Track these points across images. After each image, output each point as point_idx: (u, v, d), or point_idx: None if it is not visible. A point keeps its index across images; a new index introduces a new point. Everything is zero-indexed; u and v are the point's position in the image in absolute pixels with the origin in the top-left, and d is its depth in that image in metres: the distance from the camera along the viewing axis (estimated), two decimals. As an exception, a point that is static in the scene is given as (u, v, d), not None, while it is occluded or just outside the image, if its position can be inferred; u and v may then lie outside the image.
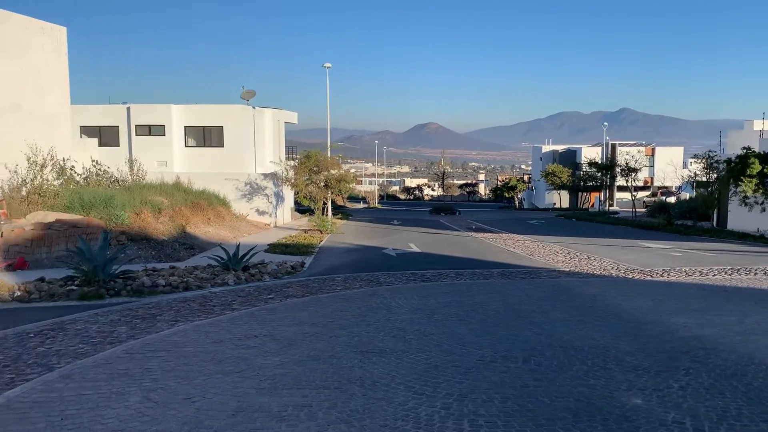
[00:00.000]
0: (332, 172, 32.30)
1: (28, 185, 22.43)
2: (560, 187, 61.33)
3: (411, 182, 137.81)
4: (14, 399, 5.49)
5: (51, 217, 16.42)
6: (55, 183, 23.06)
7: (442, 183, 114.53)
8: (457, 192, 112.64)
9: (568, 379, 6.25)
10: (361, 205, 71.50)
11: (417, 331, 8.31)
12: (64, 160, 24.18)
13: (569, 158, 70.59)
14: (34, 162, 22.99)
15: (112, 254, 12.50)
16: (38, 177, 22.71)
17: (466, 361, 6.88)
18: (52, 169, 23.41)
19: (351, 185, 37.25)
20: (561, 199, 65.14)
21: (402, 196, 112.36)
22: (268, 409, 5.25)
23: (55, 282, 11.75)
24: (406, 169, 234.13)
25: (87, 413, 5.11)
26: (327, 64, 35.58)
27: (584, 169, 58.16)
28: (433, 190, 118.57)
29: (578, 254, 19.19)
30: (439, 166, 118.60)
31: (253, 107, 34.59)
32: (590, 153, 64.32)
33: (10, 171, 22.70)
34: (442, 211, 52.29)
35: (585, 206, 59.22)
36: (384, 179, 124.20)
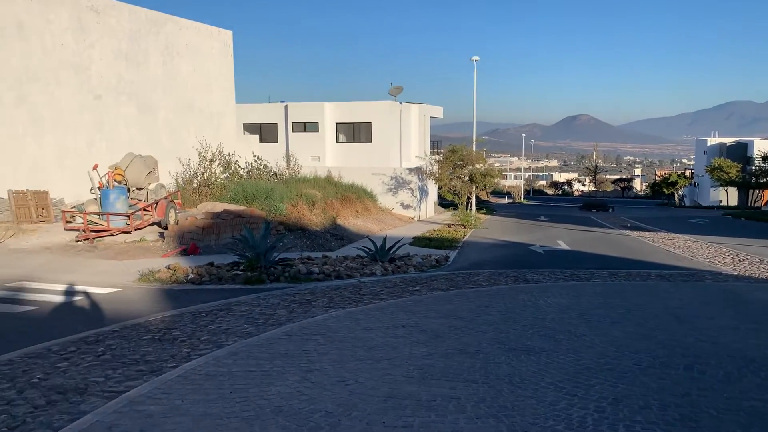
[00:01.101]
0: (477, 166, 32.09)
1: (199, 178, 24.61)
2: (727, 183, 56.12)
3: (559, 177, 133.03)
4: (190, 371, 6.08)
5: (219, 207, 17.89)
6: (222, 176, 25.10)
7: (594, 178, 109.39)
8: (610, 187, 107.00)
9: (737, 391, 5.75)
10: (506, 200, 70.30)
11: (567, 332, 8.05)
12: (229, 155, 26.20)
13: (738, 152, 64.29)
14: (204, 157, 25.14)
15: (272, 243, 13.39)
16: (207, 171, 24.83)
17: (621, 365, 6.56)
18: (219, 164, 25.47)
19: (496, 180, 36.78)
20: (728, 196, 59.62)
21: (549, 191, 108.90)
22: (417, 398, 5.37)
23: (222, 267, 12.81)
24: (554, 163, 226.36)
25: (252, 388, 5.53)
26: (475, 57, 35.34)
27: (757, 164, 52.85)
28: (583, 185, 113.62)
29: (749, 257, 17.48)
30: (591, 159, 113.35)
31: (400, 103, 35.24)
32: (764, 146, 58.24)
33: (183, 165, 25.03)
34: (593, 207, 49.99)
35: (757, 204, 53.72)
36: (530, 173, 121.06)
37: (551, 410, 5.17)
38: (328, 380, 5.80)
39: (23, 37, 20.23)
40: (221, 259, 13.84)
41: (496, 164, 55.39)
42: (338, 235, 20.83)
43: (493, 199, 63.37)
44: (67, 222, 16.79)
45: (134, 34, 24.58)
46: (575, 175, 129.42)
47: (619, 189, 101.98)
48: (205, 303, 9.88)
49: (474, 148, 33.50)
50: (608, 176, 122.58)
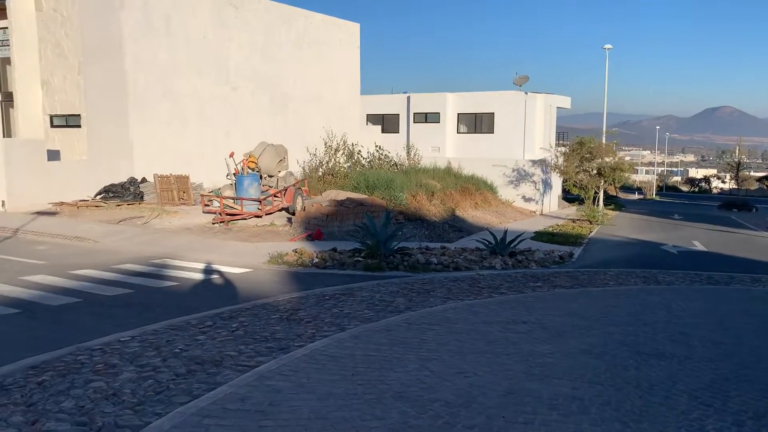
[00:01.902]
0: (606, 159, 30.61)
1: (324, 166, 25.47)
2: None
3: (696, 173, 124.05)
4: (316, 351, 6.34)
5: (342, 195, 18.43)
6: (345, 165, 25.81)
7: (736, 175, 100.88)
8: (754, 186, 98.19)
9: None
10: (636, 196, 66.63)
11: (702, 338, 7.52)
12: (352, 145, 26.87)
13: None
14: (329, 146, 25.96)
15: (392, 231, 13.60)
16: (332, 160, 25.63)
17: (765, 378, 6.04)
18: (343, 153, 26.21)
19: (626, 174, 34.97)
20: None
21: (684, 188, 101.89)
22: (538, 395, 5.26)
23: (344, 253, 13.20)
24: (690, 157, 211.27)
25: (373, 372, 5.67)
26: (607, 46, 33.68)
27: None
28: (723, 182, 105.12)
29: None
30: (733, 155, 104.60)
31: (525, 93, 34.39)
32: None
33: (310, 154, 26.00)
34: (734, 207, 46.17)
35: None
36: (663, 169, 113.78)
37: (684, 419, 4.87)
38: (448, 370, 5.82)
39: (170, 32, 21.86)
40: (343, 245, 14.26)
41: (627, 158, 52.58)
42: (457, 227, 20.77)
43: (622, 195, 60.27)
44: (205, 205, 18.02)
45: (268, 27, 25.80)
46: (714, 171, 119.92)
47: (765, 187, 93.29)
48: (329, 287, 10.24)
49: (603, 141, 32.00)
50: (752, 173, 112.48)
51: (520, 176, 32.52)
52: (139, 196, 19.72)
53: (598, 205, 31.25)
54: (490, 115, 35.18)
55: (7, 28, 21.83)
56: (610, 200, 40.30)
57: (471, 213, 24.74)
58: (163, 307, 8.75)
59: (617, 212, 35.48)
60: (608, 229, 25.02)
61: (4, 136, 23.67)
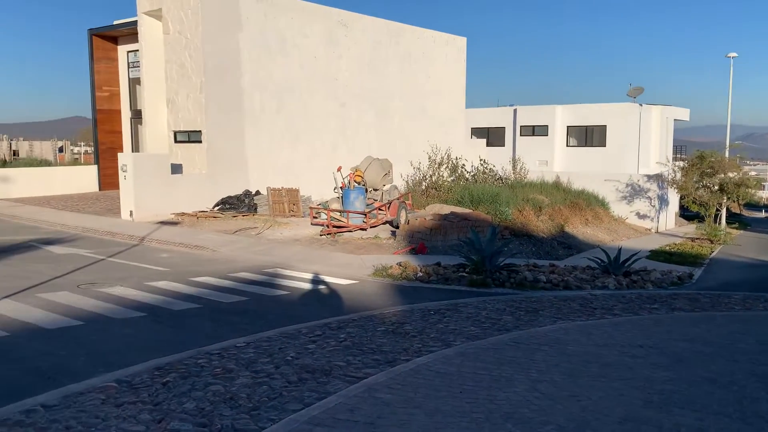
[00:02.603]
0: (730, 174, 28.63)
1: (427, 180, 25.55)
2: None
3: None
4: (422, 366, 6.32)
5: (446, 209, 18.38)
6: (449, 179, 25.76)
7: None
8: None
9: None
10: (763, 214, 61.62)
11: None
12: (456, 158, 26.78)
13: None
14: (433, 160, 26.02)
15: (497, 247, 13.38)
16: (435, 174, 25.65)
17: None
18: (446, 167, 26.19)
19: (751, 191, 32.54)
20: None
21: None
22: (658, 424, 4.95)
23: (449, 267, 13.13)
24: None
25: (482, 391, 5.58)
26: (731, 54, 31.60)
27: None
28: None
29: None
30: None
31: (640, 105, 32.90)
32: None
33: (413, 168, 26.18)
34: None
35: None
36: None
37: (829, 464, 4.40)
38: (559, 393, 5.62)
39: (284, 51, 22.86)
40: (447, 260, 14.19)
41: (752, 173, 48.85)
42: (566, 244, 20.12)
43: (747, 213, 55.97)
44: (314, 217, 18.59)
45: (376, 44, 26.35)
46: None
47: None
48: (433, 301, 10.21)
49: (726, 154, 29.96)
50: None
51: (633, 192, 31.06)
52: (253, 208, 20.66)
53: (719, 223, 29.23)
54: (602, 128, 33.92)
55: (137, 50, 23.70)
56: (733, 218, 37.58)
57: (581, 229, 23.89)
58: (276, 315, 9.09)
59: (741, 231, 32.97)
60: (731, 249, 23.32)
61: (133, 151, 25.65)
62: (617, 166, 32.58)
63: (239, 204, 20.66)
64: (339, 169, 18.94)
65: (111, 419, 4.92)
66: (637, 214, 30.87)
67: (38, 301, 9.37)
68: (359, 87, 25.77)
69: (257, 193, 21.47)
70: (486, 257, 12.77)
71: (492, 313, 9.47)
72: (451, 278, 12.40)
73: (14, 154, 40.71)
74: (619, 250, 14.58)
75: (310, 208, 19.18)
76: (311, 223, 18.58)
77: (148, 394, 5.50)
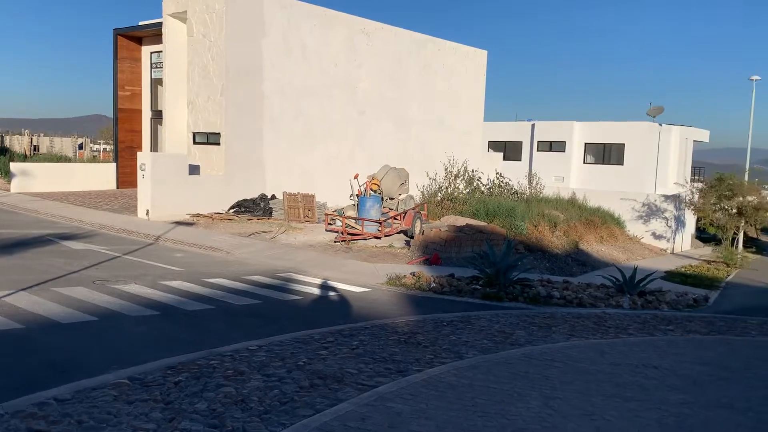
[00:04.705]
0: (748, 198, 28.33)
1: (443, 192, 25.50)
2: None
3: None
4: (433, 377, 6.28)
5: (461, 221, 18.33)
6: (464, 191, 25.70)
7: None
8: None
9: None
10: (781, 240, 60.86)
11: None
12: (473, 171, 26.72)
13: None
14: (449, 172, 25.98)
15: (512, 261, 13.31)
16: (451, 185, 25.60)
17: None
18: (462, 179, 26.14)
19: (770, 215, 32.11)
20: None
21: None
22: (673, 449, 4.88)
23: (462, 279, 13.08)
24: None
25: (493, 405, 5.53)
26: (755, 77, 31.34)
27: None
28: None
29: None
30: None
31: (660, 124, 32.70)
32: None
33: (430, 178, 26.16)
34: None
35: None
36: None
37: None
38: (572, 411, 5.55)
39: (305, 57, 22.99)
40: (461, 272, 14.14)
41: (771, 197, 48.28)
42: (580, 261, 19.98)
43: (764, 238, 55.28)
44: (328, 224, 18.61)
45: (397, 54, 26.43)
46: None
47: None
48: (446, 313, 10.17)
49: (746, 178, 29.66)
50: None
51: (650, 211, 30.81)
52: (268, 212, 20.73)
53: (736, 247, 28.90)
54: (620, 146, 33.73)
55: (161, 51, 23.95)
56: (750, 242, 37.13)
57: (596, 247, 23.72)
58: (288, 319, 9.09)
59: (759, 256, 32.56)
60: (748, 273, 23.04)
61: (151, 151, 25.87)
62: (634, 185, 32.35)
63: (255, 207, 20.74)
64: (356, 177, 18.97)
65: (123, 416, 4.93)
66: (653, 234, 30.60)
67: (54, 295, 9.44)
68: (379, 96, 25.84)
69: (273, 197, 21.54)
70: (500, 271, 12.71)
71: (505, 326, 9.41)
72: (464, 290, 12.34)
73: (35, 149, 41.19)
74: (635, 269, 14.45)
75: (326, 214, 19.21)
76: (326, 230, 18.61)
77: (160, 392, 5.51)
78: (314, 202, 21.16)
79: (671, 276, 18.97)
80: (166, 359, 6.51)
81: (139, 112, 27.08)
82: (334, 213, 19.13)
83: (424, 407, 5.33)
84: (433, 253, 16.05)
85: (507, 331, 9.12)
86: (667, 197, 30.87)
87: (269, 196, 21.50)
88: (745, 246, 32.41)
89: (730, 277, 21.05)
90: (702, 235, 36.34)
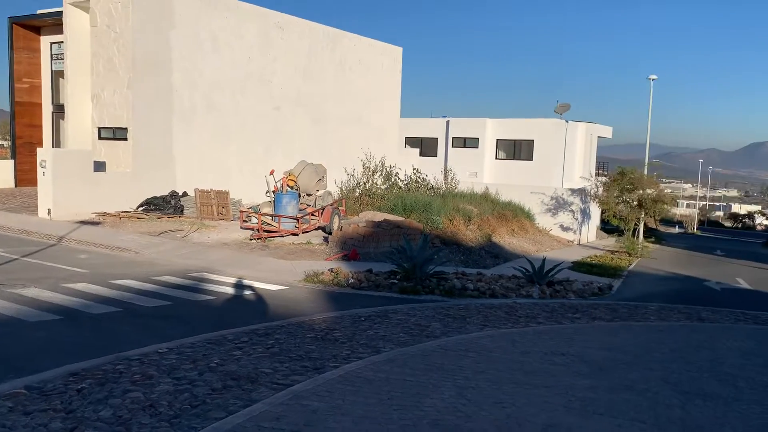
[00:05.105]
0: (648, 191, 30.10)
1: (361, 187, 25.56)
2: None
3: (739, 208, 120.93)
4: (350, 372, 6.28)
5: (379, 216, 18.43)
6: (382, 187, 25.87)
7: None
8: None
9: None
10: (676, 230, 65.16)
11: (750, 379, 7.22)
12: (390, 167, 26.94)
13: None
14: (367, 168, 26.07)
15: (428, 255, 13.51)
16: (369, 181, 25.70)
17: (819, 426, 5.74)
18: (380, 175, 26.29)
19: (667, 207, 34.31)
20: None
21: (727, 224, 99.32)
22: (579, 431, 5.10)
23: (380, 274, 13.16)
24: (733, 193, 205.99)
25: (409, 398, 5.59)
26: (652, 76, 33.29)
27: None
28: None
29: None
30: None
31: (566, 121, 34.12)
32: None
33: (348, 174, 26.15)
34: (779, 245, 44.78)
35: None
36: (705, 203, 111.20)
37: (734, 466, 4.65)
38: (485, 400, 5.70)
39: (217, 50, 22.39)
40: (379, 267, 14.22)
41: (667, 190, 51.59)
42: (493, 253, 20.56)
43: (662, 228, 58.97)
44: (244, 221, 18.23)
45: (312, 48, 26.22)
46: (758, 207, 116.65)
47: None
48: (364, 308, 10.19)
49: (645, 172, 31.49)
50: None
51: (558, 205, 32.13)
52: (180, 210, 20.06)
53: (637, 237, 30.64)
54: (530, 142, 34.97)
55: (62, 42, 22.65)
56: (649, 233, 39.50)
57: (508, 240, 24.49)
58: (200, 320, 8.82)
59: (657, 246, 34.71)
60: (648, 262, 24.48)
61: (53, 147, 24.44)
62: (543, 179, 33.64)
63: (165, 205, 20.02)
64: (272, 173, 18.67)
65: (19, 428, 4.63)
66: (561, 226, 31.94)
67: (-59, 303, 8.75)
68: (295, 91, 25.55)
69: (185, 194, 20.87)
70: (417, 265, 12.88)
71: (421, 319, 9.54)
72: (382, 285, 12.42)
73: None
74: (544, 260, 15.03)
75: (240, 211, 18.81)
76: (241, 227, 18.22)
77: (61, 401, 5.20)
78: (228, 199, 20.66)
79: (578, 266, 19.86)
80: (68, 366, 6.17)
81: (39, 105, 25.52)
82: (250, 210, 18.77)
83: (340, 403, 5.31)
84: (351, 248, 16.05)
85: (423, 323, 9.25)
86: (573, 191, 32.31)
87: (181, 194, 20.81)
88: (645, 236, 34.43)
89: (632, 266, 22.29)
90: (606, 227, 38.29)
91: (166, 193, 20.57)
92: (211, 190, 20.52)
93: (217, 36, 22.32)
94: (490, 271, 16.23)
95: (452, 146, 37.71)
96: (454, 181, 31.03)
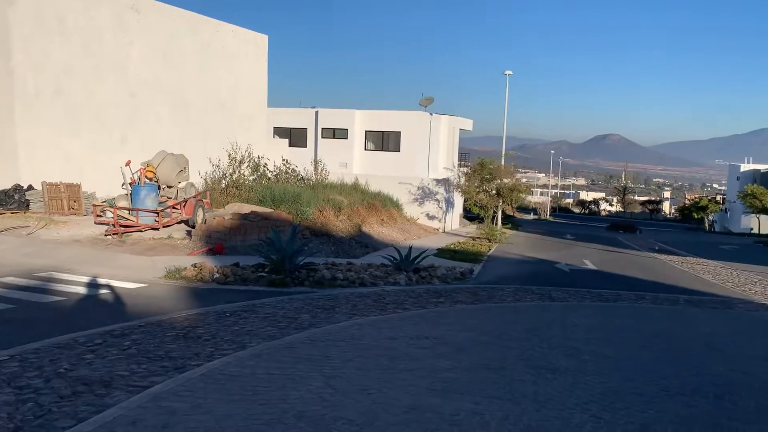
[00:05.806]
0: (505, 180, 31.93)
1: (227, 179, 24.83)
2: (760, 210, 55.02)
3: (586, 196, 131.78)
4: (214, 370, 6.09)
5: (246, 209, 18.01)
6: (250, 178, 25.29)
7: (623, 198, 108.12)
8: (638, 209, 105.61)
9: (770, 424, 5.57)
10: (531, 217, 69.78)
11: (593, 352, 7.90)
12: (258, 157, 26.39)
13: (774, 179, 63.00)
14: (233, 158, 25.36)
15: (298, 246, 13.42)
16: (236, 172, 25.04)
17: (649, 390, 6.40)
18: (248, 166, 25.68)
19: (523, 195, 36.59)
20: (760, 224, 58.40)
21: (576, 210, 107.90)
22: (440, 411, 5.29)
23: (247, 268, 12.87)
24: (581, 181, 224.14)
25: (275, 392, 5.51)
26: (507, 72, 35.23)
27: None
28: (611, 205, 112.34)
29: (782, 287, 17.05)
30: (619, 180, 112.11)
31: (430, 114, 35.23)
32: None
33: (213, 165, 25.29)
34: (620, 228, 49.39)
35: (790, 234, 52.52)
36: (557, 191, 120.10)
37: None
38: (351, 388, 5.76)
39: (63, 31, 20.67)
40: (246, 260, 13.91)
41: (523, 180, 55.02)
42: (363, 243, 20.83)
43: (519, 215, 62.88)
44: (98, 216, 17.05)
45: (173, 34, 24.98)
46: (603, 194, 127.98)
47: (648, 211, 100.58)
48: (230, 303, 9.93)
49: (502, 163, 33.34)
50: (637, 198, 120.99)
51: (424, 194, 33.17)
52: (25, 205, 18.37)
53: (496, 224, 32.42)
54: (397, 134, 35.72)
55: None
56: (507, 220, 41.97)
57: (377, 229, 24.91)
58: (48, 323, 8.13)
59: (514, 231, 36.94)
60: (506, 247, 25.98)
61: None
62: (410, 170, 34.55)
63: (7, 200, 18.24)
64: (128, 164, 17.59)
65: None
66: (427, 215, 33.03)
67: None
68: (153, 77, 24.22)
69: (30, 187, 19.12)
70: (286, 257, 12.75)
71: (290, 312, 9.46)
72: (249, 279, 12.16)
73: None
74: (410, 248, 15.46)
75: (94, 205, 17.56)
76: (95, 222, 17.02)
77: None
78: (80, 193, 19.22)
79: (442, 252, 20.66)
80: None
81: None
82: (104, 204, 17.59)
83: (201, 402, 5.13)
84: (216, 242, 15.56)
85: (292, 315, 9.17)
86: (438, 181, 33.50)
87: (25, 187, 19.04)
88: (503, 223, 36.52)
89: (491, 251, 23.54)
90: (468, 215, 40.15)
91: (8, 186, 18.74)
92: (61, 183, 18.99)
93: (64, 16, 20.59)
94: (360, 261, 16.44)
95: (322, 137, 37.64)
96: (324, 171, 31.03)
